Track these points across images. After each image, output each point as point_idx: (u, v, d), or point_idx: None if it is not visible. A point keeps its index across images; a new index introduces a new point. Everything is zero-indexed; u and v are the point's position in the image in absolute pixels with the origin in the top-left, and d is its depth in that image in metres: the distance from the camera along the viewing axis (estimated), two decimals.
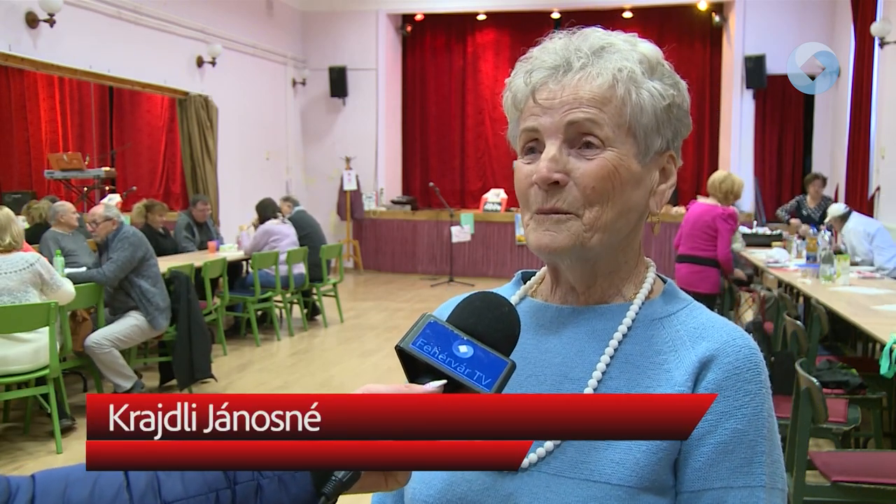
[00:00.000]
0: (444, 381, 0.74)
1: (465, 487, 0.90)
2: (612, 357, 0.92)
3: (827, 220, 7.01)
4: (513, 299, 1.03)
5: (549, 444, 0.88)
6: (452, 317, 0.81)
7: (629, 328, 0.93)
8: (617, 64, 0.90)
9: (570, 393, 0.91)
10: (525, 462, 0.88)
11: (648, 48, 0.94)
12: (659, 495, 0.85)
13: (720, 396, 0.86)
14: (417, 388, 0.74)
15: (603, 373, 0.91)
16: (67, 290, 4.73)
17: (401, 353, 0.77)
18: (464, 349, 0.76)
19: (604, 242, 0.92)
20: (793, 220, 8.24)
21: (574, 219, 0.90)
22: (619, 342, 0.93)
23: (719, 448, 0.85)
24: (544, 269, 1.04)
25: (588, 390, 0.90)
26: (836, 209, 6.90)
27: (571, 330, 0.96)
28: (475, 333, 0.78)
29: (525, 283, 1.07)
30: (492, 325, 0.80)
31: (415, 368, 0.77)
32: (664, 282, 1.00)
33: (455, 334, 0.78)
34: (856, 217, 6.79)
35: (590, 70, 0.90)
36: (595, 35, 0.94)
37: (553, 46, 0.94)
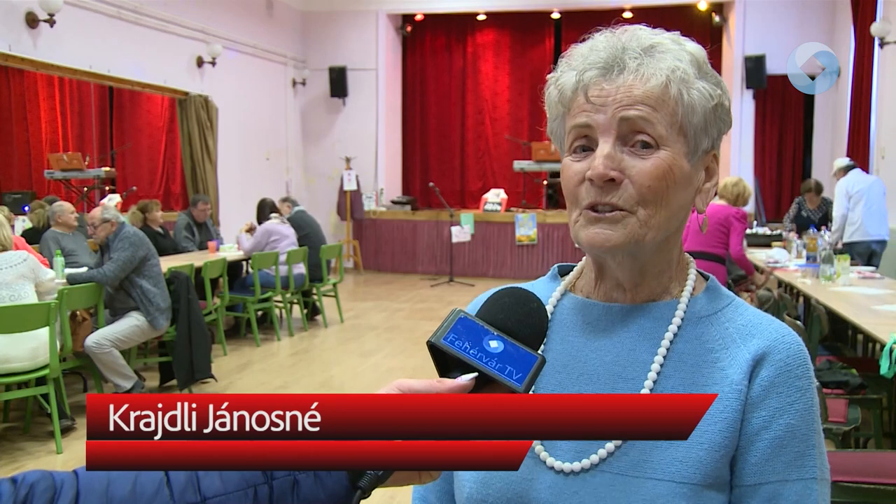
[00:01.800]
0: (476, 374, 0.75)
1: (526, 486, 0.91)
2: (664, 357, 0.93)
3: (832, 172, 7.50)
4: (554, 295, 1.03)
5: (610, 445, 0.89)
6: (481, 312, 0.81)
7: (679, 327, 0.94)
8: (670, 64, 0.90)
9: (625, 392, 0.92)
10: (587, 462, 0.90)
11: (695, 48, 0.94)
12: (719, 491, 0.87)
13: (774, 393, 0.88)
14: (449, 383, 0.74)
15: (658, 373, 0.92)
16: (50, 276, 4.82)
17: (432, 348, 0.77)
18: (494, 344, 0.77)
19: (656, 241, 0.93)
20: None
21: (630, 216, 0.91)
22: (671, 341, 0.93)
23: (774, 443, 0.87)
24: (582, 262, 1.04)
25: (645, 390, 0.91)
26: (841, 161, 7.39)
27: (621, 329, 0.96)
28: (504, 329, 0.79)
29: (563, 278, 1.06)
30: (521, 320, 0.80)
31: (445, 363, 0.78)
32: (705, 278, 1.01)
33: (485, 329, 0.78)
34: (854, 173, 7.21)
35: (643, 70, 0.90)
36: (643, 33, 0.94)
37: (602, 45, 0.94)
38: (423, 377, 0.76)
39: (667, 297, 0.97)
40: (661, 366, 0.92)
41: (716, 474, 0.87)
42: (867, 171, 8.55)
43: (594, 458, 0.89)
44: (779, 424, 0.87)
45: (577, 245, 0.96)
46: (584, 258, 1.03)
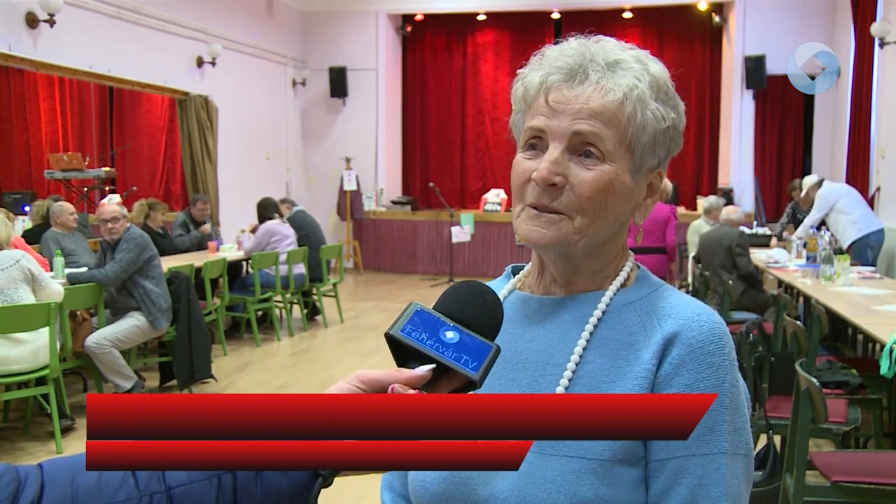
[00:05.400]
0: (434, 366, 0.76)
1: None
2: (587, 341, 0.97)
3: (803, 193, 7.72)
4: (502, 293, 1.09)
5: None
6: (438, 304, 0.83)
7: (604, 313, 0.99)
8: (630, 82, 0.94)
9: (552, 376, 0.97)
10: None
11: (658, 69, 0.98)
12: (631, 466, 0.91)
13: (683, 370, 0.91)
14: (407, 372, 0.76)
15: (580, 356, 0.96)
16: (54, 289, 4.62)
17: (390, 339, 0.79)
18: (450, 335, 0.79)
19: (587, 247, 0.98)
20: (787, 231, 8.28)
21: (566, 220, 0.96)
22: (595, 326, 0.98)
23: None
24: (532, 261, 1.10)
25: (567, 373, 0.95)
26: (809, 179, 7.69)
27: (553, 319, 1.01)
28: (461, 320, 0.81)
29: (515, 277, 1.13)
30: (476, 311, 0.82)
31: (403, 355, 0.80)
32: (639, 269, 1.06)
33: (442, 321, 0.80)
34: (826, 184, 7.46)
35: (603, 84, 0.94)
36: (610, 46, 0.97)
37: (570, 51, 0.97)
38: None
39: (598, 289, 1.02)
40: (584, 350, 0.96)
41: (625, 450, 0.90)
42: (867, 171, 8.58)
43: None
44: None
45: (517, 238, 0.99)
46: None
